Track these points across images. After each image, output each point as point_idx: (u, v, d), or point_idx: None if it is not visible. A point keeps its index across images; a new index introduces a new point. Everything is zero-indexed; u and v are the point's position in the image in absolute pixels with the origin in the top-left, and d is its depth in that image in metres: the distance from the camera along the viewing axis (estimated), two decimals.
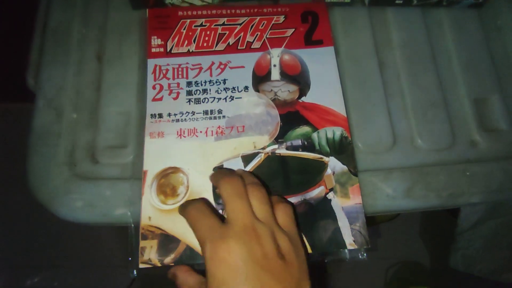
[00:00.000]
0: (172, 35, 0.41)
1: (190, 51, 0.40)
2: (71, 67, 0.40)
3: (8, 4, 0.42)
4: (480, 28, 0.45)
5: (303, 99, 0.39)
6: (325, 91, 0.40)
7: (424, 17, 0.45)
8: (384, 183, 0.38)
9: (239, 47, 0.41)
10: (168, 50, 0.40)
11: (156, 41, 0.40)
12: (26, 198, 0.34)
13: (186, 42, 0.41)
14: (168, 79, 0.39)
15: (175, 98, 0.38)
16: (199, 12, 0.42)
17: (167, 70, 0.39)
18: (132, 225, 0.34)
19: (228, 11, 0.42)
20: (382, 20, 0.45)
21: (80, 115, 0.39)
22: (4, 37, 0.39)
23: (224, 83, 0.39)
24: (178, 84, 0.39)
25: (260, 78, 0.40)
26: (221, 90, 0.39)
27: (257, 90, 0.39)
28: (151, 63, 0.40)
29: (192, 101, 0.38)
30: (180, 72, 0.39)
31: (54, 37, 0.41)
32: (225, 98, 0.39)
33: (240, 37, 0.41)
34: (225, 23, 0.42)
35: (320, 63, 0.41)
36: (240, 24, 0.42)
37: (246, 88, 0.39)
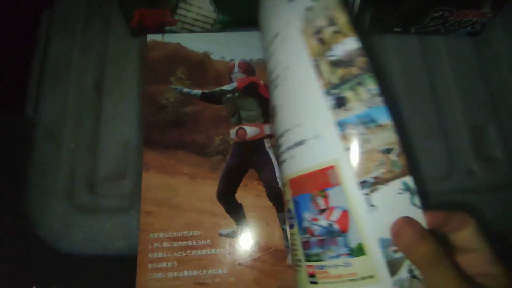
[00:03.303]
0: None
1: None
2: (70, 96, 0.40)
3: (7, 33, 0.42)
4: (476, 56, 0.46)
5: None
6: None
7: (422, 45, 0.45)
8: None
9: None
10: None
11: None
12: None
13: None
14: None
15: None
16: None
17: None
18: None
19: None
20: (381, 47, 0.45)
21: (79, 145, 0.39)
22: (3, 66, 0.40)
23: None
24: None
25: None
26: None
27: None
28: None
29: None
30: None
31: (53, 67, 0.41)
32: None
33: None
34: None
35: None
36: None
37: None
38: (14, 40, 0.44)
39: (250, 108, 0.39)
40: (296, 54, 0.25)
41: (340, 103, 0.23)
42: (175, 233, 0.35)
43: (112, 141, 0.39)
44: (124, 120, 0.39)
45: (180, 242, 0.34)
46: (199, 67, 0.40)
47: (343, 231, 0.23)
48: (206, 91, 0.39)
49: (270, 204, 0.36)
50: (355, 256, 0.22)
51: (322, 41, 0.24)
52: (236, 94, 0.39)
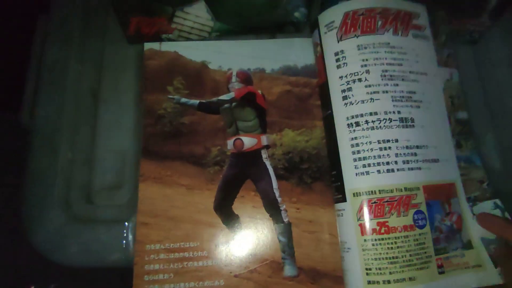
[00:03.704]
0: None
1: None
2: (66, 105, 0.39)
3: (1, 40, 0.41)
4: (474, 64, 0.46)
5: None
6: None
7: None
8: None
9: None
10: None
11: None
12: None
13: None
14: None
15: None
16: None
17: None
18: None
19: None
20: None
21: (76, 155, 0.38)
22: None
23: None
24: None
25: None
26: None
27: None
28: None
29: None
30: None
31: (50, 75, 0.40)
32: None
33: None
34: None
35: None
36: None
37: None
38: (9, 47, 0.43)
39: (248, 119, 0.38)
40: (440, 101, 0.37)
41: (458, 145, 0.37)
42: (171, 244, 0.35)
43: (109, 150, 0.39)
44: (120, 129, 0.39)
45: (176, 254, 0.34)
46: (196, 76, 0.40)
47: (459, 230, 0.34)
48: (203, 101, 0.39)
49: (267, 215, 0.36)
50: (467, 249, 0.34)
51: (453, 104, 0.38)
52: (234, 104, 0.39)
